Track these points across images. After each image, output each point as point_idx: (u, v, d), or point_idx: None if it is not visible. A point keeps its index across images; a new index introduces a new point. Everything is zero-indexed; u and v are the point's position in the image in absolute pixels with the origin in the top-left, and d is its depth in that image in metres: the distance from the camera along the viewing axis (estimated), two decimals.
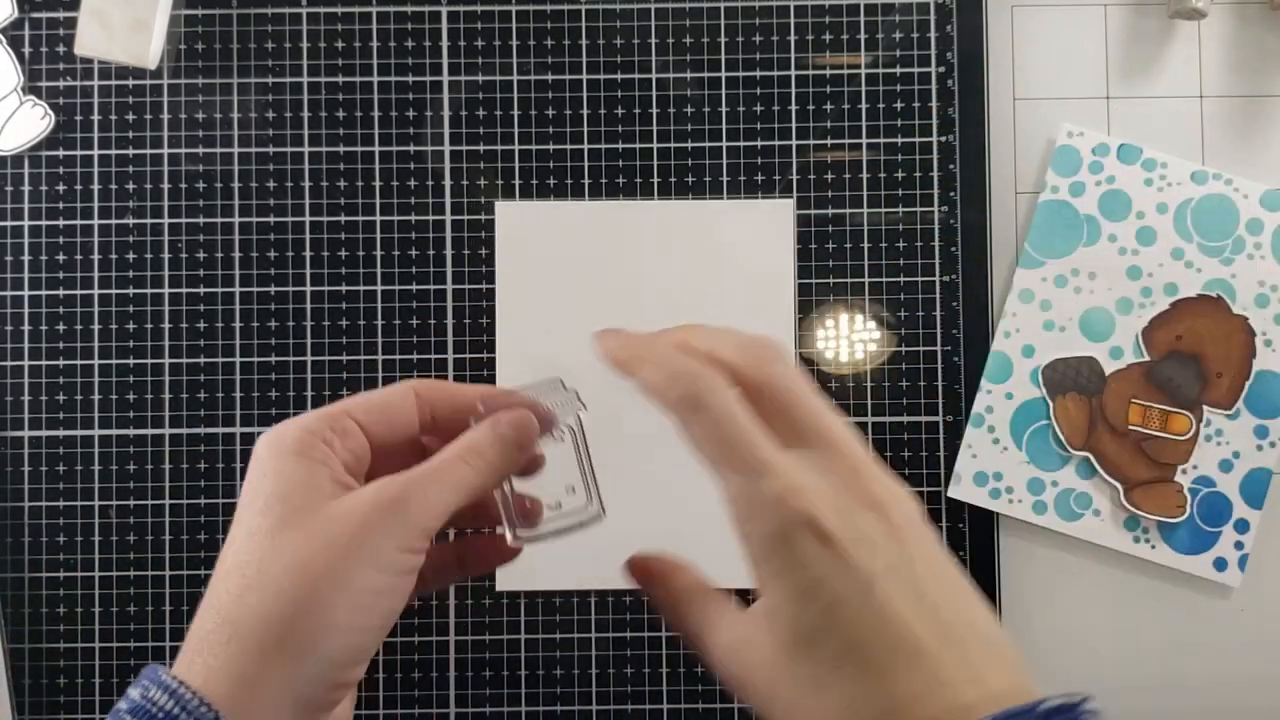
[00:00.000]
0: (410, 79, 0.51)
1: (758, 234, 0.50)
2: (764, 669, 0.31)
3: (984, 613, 0.31)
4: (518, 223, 0.51)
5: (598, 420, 0.45)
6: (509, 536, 0.37)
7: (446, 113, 0.51)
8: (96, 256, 0.51)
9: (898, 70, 0.51)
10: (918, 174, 0.51)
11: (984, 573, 0.50)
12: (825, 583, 0.30)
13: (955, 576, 0.31)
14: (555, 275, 0.50)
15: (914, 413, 0.51)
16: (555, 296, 0.50)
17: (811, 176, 0.51)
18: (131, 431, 0.50)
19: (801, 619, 0.30)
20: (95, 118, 0.51)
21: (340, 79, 0.51)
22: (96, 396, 0.50)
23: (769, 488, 0.30)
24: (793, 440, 0.32)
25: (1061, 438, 0.50)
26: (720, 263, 0.50)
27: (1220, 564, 0.50)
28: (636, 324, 0.51)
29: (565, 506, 0.38)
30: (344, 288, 0.51)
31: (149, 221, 0.51)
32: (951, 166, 0.51)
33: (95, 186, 0.51)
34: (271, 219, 0.51)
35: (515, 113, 0.51)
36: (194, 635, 0.30)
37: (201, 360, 0.51)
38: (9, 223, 0.51)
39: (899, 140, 0.51)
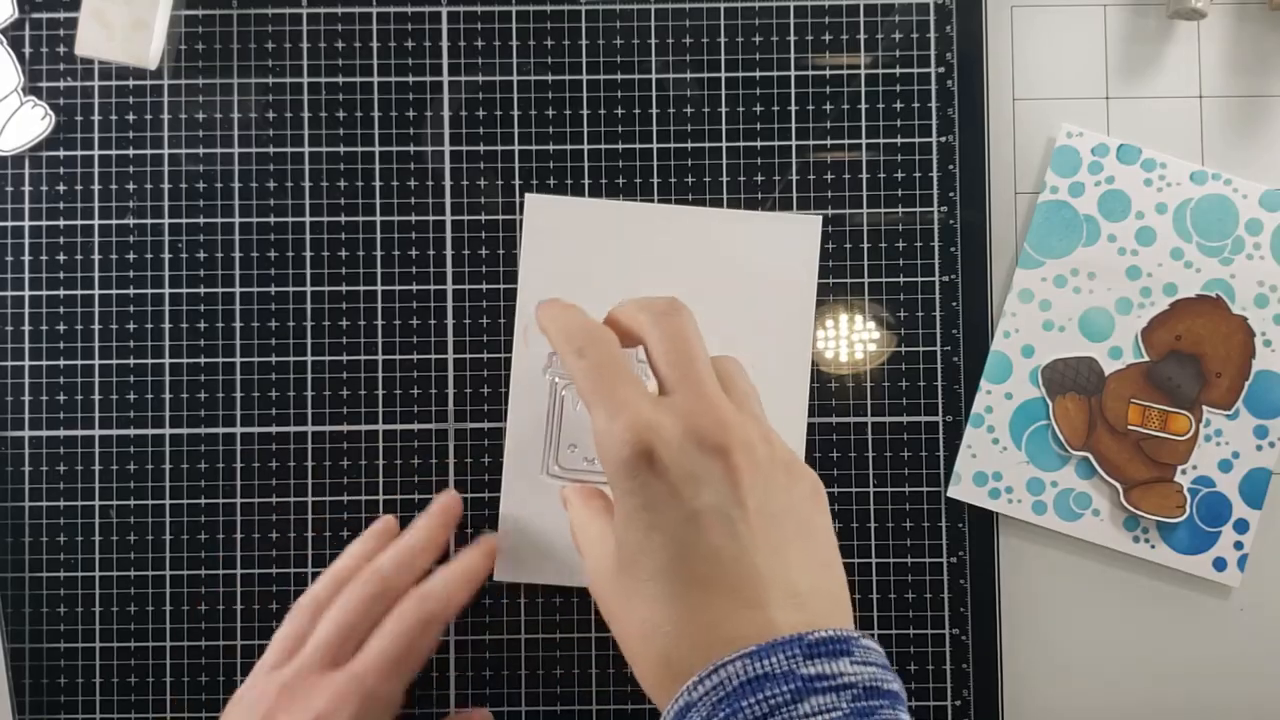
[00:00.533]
0: (410, 79, 0.51)
1: (783, 248, 0.50)
2: (600, 575, 0.36)
3: (807, 562, 0.35)
4: (544, 216, 0.51)
5: None
6: (542, 467, 0.46)
7: (446, 113, 0.51)
8: (96, 256, 0.51)
9: (898, 70, 0.51)
10: (917, 174, 0.51)
11: (984, 573, 0.50)
12: (652, 509, 0.34)
13: (787, 527, 0.35)
14: (579, 271, 0.50)
15: (914, 413, 0.51)
16: (577, 294, 0.50)
17: (811, 177, 0.51)
18: (132, 431, 0.50)
19: (628, 538, 0.35)
20: (95, 118, 0.51)
21: (340, 79, 0.51)
22: (97, 396, 0.50)
23: (623, 422, 0.35)
24: (668, 384, 0.37)
25: (1061, 438, 0.50)
26: (743, 273, 0.50)
27: (1219, 564, 0.50)
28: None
29: (597, 465, 0.45)
30: (344, 288, 0.51)
31: (149, 221, 0.51)
32: (951, 167, 0.51)
33: (95, 186, 0.51)
34: (271, 219, 0.51)
35: (515, 113, 0.51)
36: None
37: (202, 360, 0.51)
38: (9, 223, 0.51)
39: (899, 140, 0.51)
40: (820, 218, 0.51)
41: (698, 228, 0.50)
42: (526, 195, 0.51)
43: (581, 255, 0.50)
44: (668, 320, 0.38)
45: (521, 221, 0.51)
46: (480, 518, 0.50)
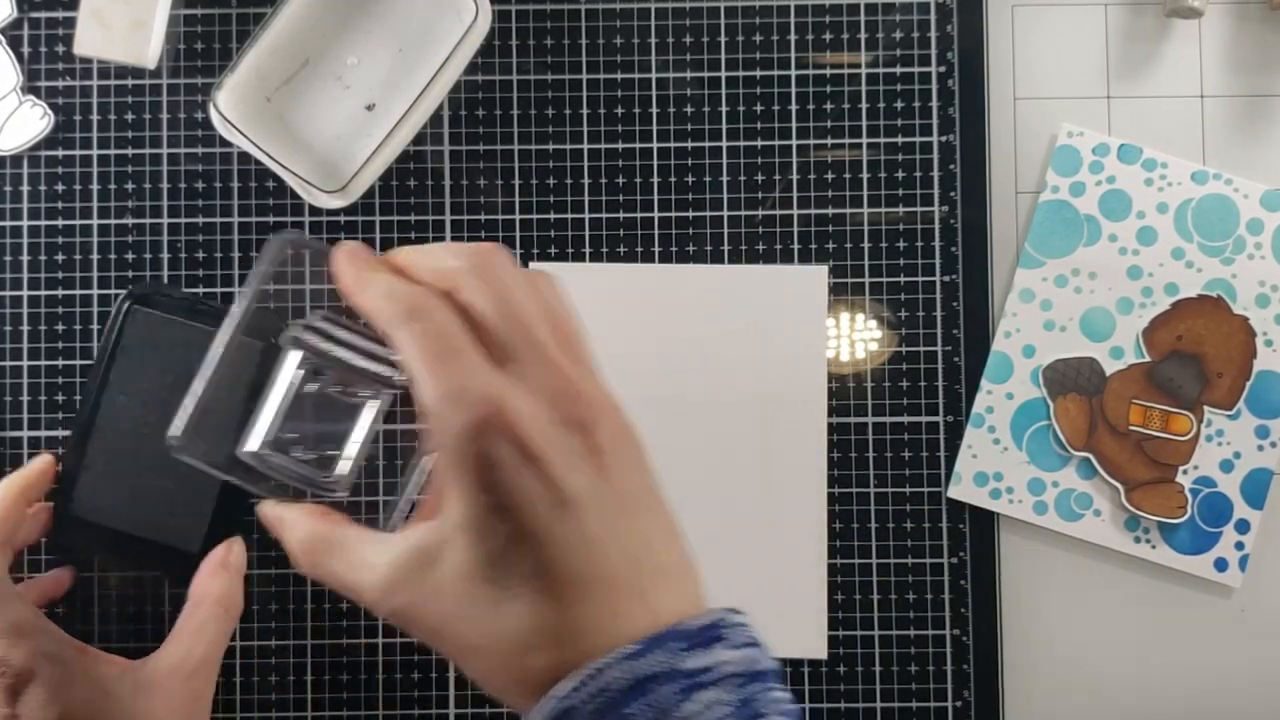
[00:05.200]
0: None
1: (791, 299, 0.50)
2: (440, 591, 0.30)
3: (665, 536, 0.32)
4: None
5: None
6: (242, 441, 0.37)
7: (446, 112, 0.51)
8: (96, 256, 0.51)
9: (898, 70, 0.51)
10: (918, 174, 0.51)
11: (984, 573, 0.50)
12: (522, 501, 0.29)
13: (644, 501, 0.32)
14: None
15: (914, 413, 0.51)
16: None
17: (811, 176, 0.51)
18: None
19: (492, 536, 0.29)
20: (95, 118, 0.51)
21: None
22: None
23: (474, 400, 0.29)
24: (506, 351, 0.31)
25: (1062, 438, 0.50)
26: (753, 322, 0.50)
27: (1221, 564, 0.50)
28: (671, 369, 0.50)
29: (321, 477, 0.38)
30: None
31: (148, 221, 0.51)
32: (952, 166, 0.51)
33: (94, 186, 0.51)
34: (271, 219, 0.51)
35: (515, 112, 0.51)
36: None
37: None
38: (8, 223, 0.51)
39: (899, 140, 0.51)
40: (825, 269, 0.50)
41: (702, 283, 0.50)
42: (530, 265, 0.50)
43: (587, 318, 0.50)
44: (492, 271, 0.32)
45: None
46: None
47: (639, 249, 0.51)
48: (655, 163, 0.51)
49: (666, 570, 0.31)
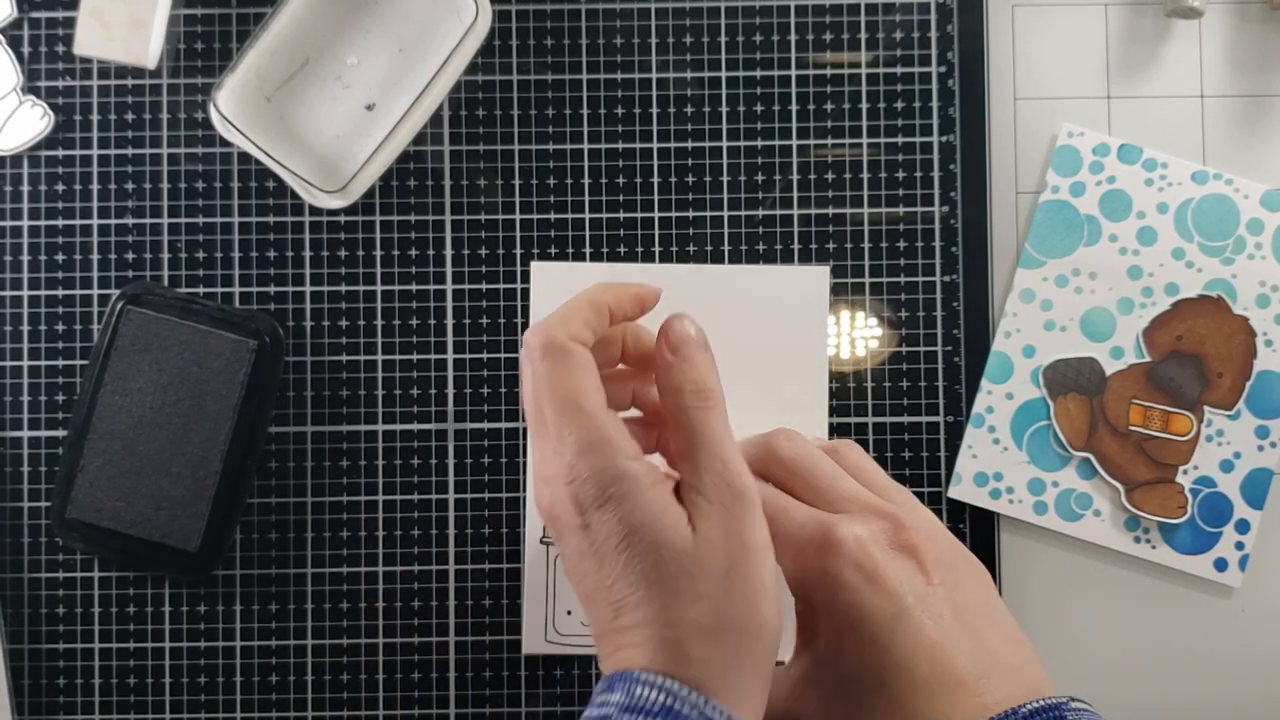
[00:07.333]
0: None
1: (793, 297, 0.50)
2: (820, 708, 0.37)
3: (1007, 640, 0.36)
4: (550, 282, 0.51)
5: None
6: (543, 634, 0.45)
7: (446, 112, 0.51)
8: (96, 256, 0.51)
9: (898, 70, 0.51)
10: (918, 174, 0.51)
11: None
12: (869, 616, 0.35)
13: (983, 612, 0.37)
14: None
15: (914, 413, 0.51)
16: None
17: (812, 176, 0.51)
18: None
19: (848, 652, 0.36)
20: (95, 117, 0.51)
21: None
22: None
23: (810, 531, 0.37)
24: (829, 504, 0.38)
25: (1062, 438, 0.50)
26: (755, 321, 0.50)
27: (1221, 564, 0.50)
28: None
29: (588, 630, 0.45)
30: (344, 288, 0.51)
31: (148, 221, 0.51)
32: (952, 166, 0.51)
33: (94, 186, 0.51)
34: (271, 219, 0.51)
35: (515, 112, 0.51)
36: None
37: None
38: (8, 223, 0.51)
39: (899, 140, 0.51)
40: (827, 269, 0.50)
41: (702, 283, 0.50)
42: (532, 264, 0.50)
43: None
44: (792, 446, 0.40)
45: (527, 290, 0.51)
46: (480, 519, 0.50)
47: (639, 249, 0.51)
48: (655, 163, 0.51)
49: (1009, 669, 0.35)
